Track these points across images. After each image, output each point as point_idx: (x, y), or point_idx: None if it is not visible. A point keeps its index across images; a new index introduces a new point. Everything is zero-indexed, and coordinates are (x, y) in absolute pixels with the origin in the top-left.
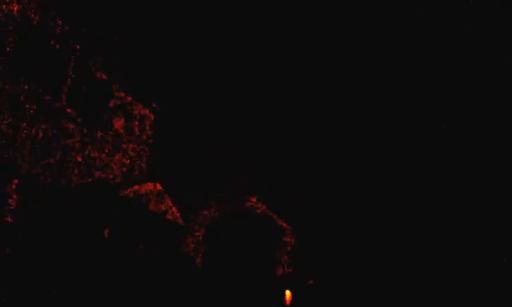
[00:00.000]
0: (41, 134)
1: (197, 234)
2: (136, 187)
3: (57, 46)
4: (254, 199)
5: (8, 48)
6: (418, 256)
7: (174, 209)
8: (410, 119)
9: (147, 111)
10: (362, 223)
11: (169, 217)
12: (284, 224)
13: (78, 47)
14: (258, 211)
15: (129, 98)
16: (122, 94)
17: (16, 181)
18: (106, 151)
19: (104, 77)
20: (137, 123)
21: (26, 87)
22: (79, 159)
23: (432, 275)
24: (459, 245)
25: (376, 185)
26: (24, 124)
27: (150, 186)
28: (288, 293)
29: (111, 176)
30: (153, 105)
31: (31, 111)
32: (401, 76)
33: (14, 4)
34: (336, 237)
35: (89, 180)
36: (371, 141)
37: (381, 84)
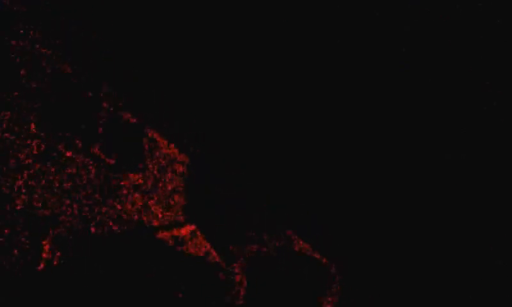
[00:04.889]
0: (75, 181)
1: (238, 276)
2: (174, 230)
3: (89, 94)
4: (296, 238)
5: (42, 97)
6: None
7: (213, 252)
8: (409, 120)
9: (181, 153)
10: (408, 264)
11: (209, 260)
12: (330, 264)
13: (107, 91)
14: (302, 250)
15: (162, 140)
16: (155, 136)
17: (51, 229)
18: (141, 194)
19: (135, 120)
20: (171, 164)
21: (60, 134)
22: (114, 204)
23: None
24: (456, 248)
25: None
26: (59, 172)
27: (187, 228)
28: None
29: (146, 220)
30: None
31: (65, 159)
32: (401, 76)
33: (48, 59)
34: (383, 277)
35: (125, 225)
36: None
37: (380, 84)
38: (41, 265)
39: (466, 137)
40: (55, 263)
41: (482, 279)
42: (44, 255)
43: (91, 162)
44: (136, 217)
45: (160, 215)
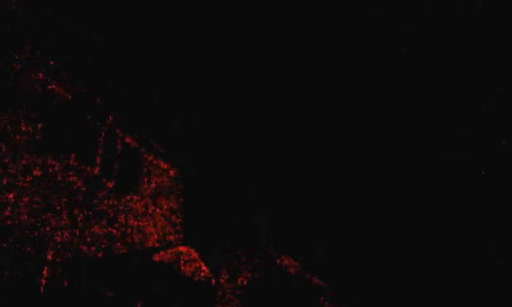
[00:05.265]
0: (72, 203)
1: (231, 296)
2: (169, 251)
3: (89, 117)
4: (289, 259)
5: (43, 124)
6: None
7: (207, 271)
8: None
9: (178, 173)
10: (401, 281)
11: (202, 280)
12: (321, 283)
13: (109, 117)
14: (293, 270)
15: (159, 162)
16: (151, 158)
17: (51, 251)
18: (139, 216)
19: (134, 144)
20: (167, 185)
21: (61, 157)
22: (113, 226)
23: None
24: (456, 248)
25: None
26: (55, 193)
27: (182, 249)
28: None
29: (145, 241)
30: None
31: (62, 180)
32: (401, 76)
33: (52, 84)
34: (375, 294)
35: (124, 247)
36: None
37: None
38: (41, 289)
39: (466, 137)
40: (54, 285)
41: (482, 279)
42: (44, 275)
43: (88, 184)
44: (132, 238)
45: (156, 237)
